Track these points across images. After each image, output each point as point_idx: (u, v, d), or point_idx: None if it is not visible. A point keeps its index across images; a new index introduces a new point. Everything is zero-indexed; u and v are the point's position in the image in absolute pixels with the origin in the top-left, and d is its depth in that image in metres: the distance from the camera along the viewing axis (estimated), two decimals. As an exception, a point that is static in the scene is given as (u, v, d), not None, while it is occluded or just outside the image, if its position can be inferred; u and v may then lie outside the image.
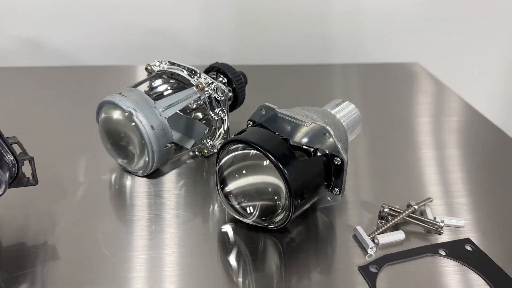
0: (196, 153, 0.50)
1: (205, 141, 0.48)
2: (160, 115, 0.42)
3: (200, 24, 0.81)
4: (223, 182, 0.38)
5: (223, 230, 0.39)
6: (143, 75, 0.64)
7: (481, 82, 0.94)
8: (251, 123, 0.42)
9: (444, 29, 0.88)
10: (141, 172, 0.45)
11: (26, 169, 0.37)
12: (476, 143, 0.57)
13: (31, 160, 0.37)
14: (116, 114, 0.42)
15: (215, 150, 0.48)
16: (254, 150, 0.36)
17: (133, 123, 0.41)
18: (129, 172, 0.46)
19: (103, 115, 0.44)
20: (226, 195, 0.38)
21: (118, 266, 0.35)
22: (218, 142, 0.48)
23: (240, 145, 0.37)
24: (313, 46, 0.85)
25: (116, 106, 0.42)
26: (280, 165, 0.34)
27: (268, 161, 0.35)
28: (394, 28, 0.86)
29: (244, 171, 0.37)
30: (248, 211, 0.37)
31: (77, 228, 0.39)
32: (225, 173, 0.37)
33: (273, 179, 0.36)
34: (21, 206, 0.41)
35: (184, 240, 0.38)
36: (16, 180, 0.37)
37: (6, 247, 0.37)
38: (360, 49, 0.87)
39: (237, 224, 0.40)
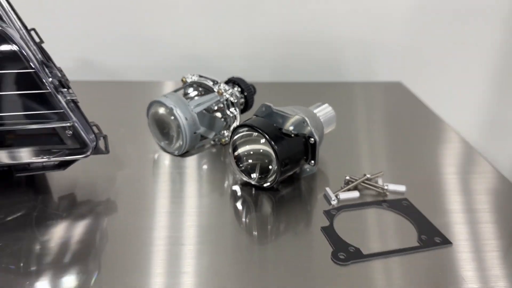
0: (216, 141, 0.67)
1: (222, 132, 0.66)
2: (191, 111, 0.60)
3: (219, 49, 1.00)
4: (235, 150, 0.55)
5: (233, 188, 0.56)
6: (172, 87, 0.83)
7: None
8: (255, 116, 0.59)
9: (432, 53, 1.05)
10: (176, 152, 0.63)
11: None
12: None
13: (105, 136, 0.55)
14: (162, 110, 0.61)
15: (226, 140, 0.66)
16: (255, 132, 0.53)
17: (173, 116, 0.59)
18: (168, 152, 0.64)
19: (152, 110, 0.62)
20: (236, 158, 0.55)
21: (157, 210, 0.53)
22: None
23: (246, 128, 0.54)
24: (311, 66, 1.03)
25: (162, 104, 0.60)
26: (271, 141, 0.52)
27: (264, 138, 0.53)
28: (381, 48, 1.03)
29: (248, 144, 0.55)
30: (253, 171, 0.54)
31: (132, 187, 0.57)
32: (237, 143, 0.55)
33: (268, 150, 0.53)
34: (93, 170, 0.59)
35: (204, 195, 0.56)
36: (95, 149, 0.55)
37: (81, 201, 0.55)
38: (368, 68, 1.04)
39: (243, 186, 0.57)
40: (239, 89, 0.69)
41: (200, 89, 0.68)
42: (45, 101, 0.47)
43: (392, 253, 0.46)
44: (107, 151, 0.55)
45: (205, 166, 0.62)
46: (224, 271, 0.44)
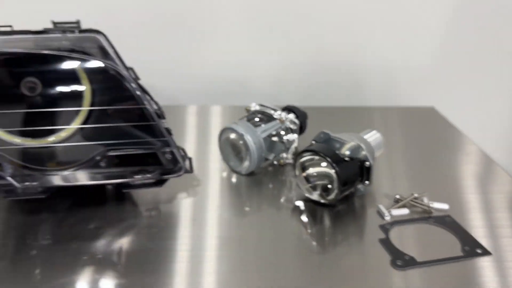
0: (275, 162, 0.77)
1: (281, 155, 0.75)
2: (259, 136, 0.70)
3: (250, 75, 1.11)
4: (303, 170, 0.65)
5: (296, 204, 0.66)
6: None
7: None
8: (314, 142, 0.69)
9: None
10: (243, 171, 0.72)
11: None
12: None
13: (190, 159, 0.65)
14: (233, 135, 0.71)
15: (287, 161, 0.75)
16: (318, 156, 0.63)
17: (243, 141, 0.69)
18: (235, 172, 0.74)
19: (224, 136, 0.72)
20: (305, 177, 0.65)
21: (228, 221, 0.62)
22: (290, 156, 0.75)
23: (310, 153, 0.64)
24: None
25: (233, 130, 0.70)
26: (333, 164, 0.61)
27: (326, 162, 0.62)
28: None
29: (312, 166, 0.64)
30: (314, 189, 0.64)
31: (206, 201, 0.66)
32: (305, 165, 0.64)
33: (330, 172, 0.62)
34: (172, 186, 0.69)
35: (266, 209, 0.65)
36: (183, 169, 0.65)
37: (164, 213, 0.64)
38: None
39: (305, 202, 0.66)
40: (295, 116, 0.78)
41: (262, 116, 0.77)
42: (152, 130, 0.58)
43: (441, 261, 0.54)
44: (191, 171, 0.65)
45: (270, 185, 0.72)
46: (293, 275, 0.53)
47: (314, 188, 0.65)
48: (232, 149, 0.73)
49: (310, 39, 1.08)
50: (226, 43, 1.07)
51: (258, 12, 1.05)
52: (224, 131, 0.72)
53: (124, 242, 0.56)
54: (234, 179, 0.73)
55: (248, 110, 0.77)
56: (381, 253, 0.56)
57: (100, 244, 0.55)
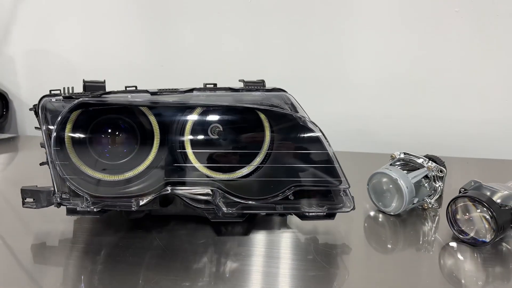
0: (419, 206, 0.84)
1: (425, 199, 0.83)
2: (410, 181, 0.79)
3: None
4: (460, 214, 0.72)
5: (450, 244, 0.72)
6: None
7: None
8: (463, 189, 0.76)
9: None
10: (392, 212, 0.81)
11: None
12: None
13: (353, 197, 0.75)
14: (385, 179, 0.80)
15: (431, 206, 0.82)
16: (475, 202, 0.70)
17: (397, 185, 0.78)
18: (383, 212, 0.82)
19: (375, 179, 0.82)
20: (457, 220, 0.72)
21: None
22: (433, 201, 0.82)
23: (467, 198, 0.71)
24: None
25: (387, 175, 0.80)
26: (491, 209, 0.68)
27: (484, 207, 0.69)
28: None
29: (468, 212, 0.71)
30: (462, 233, 0.71)
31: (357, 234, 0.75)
32: (459, 209, 0.72)
33: (486, 216, 0.68)
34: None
35: (410, 248, 0.72)
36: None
37: (322, 243, 0.74)
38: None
39: (458, 242, 0.72)
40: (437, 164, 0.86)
41: (405, 163, 0.86)
42: (332, 171, 0.69)
43: None
44: (354, 207, 0.74)
45: (410, 226, 0.79)
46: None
47: (461, 232, 0.72)
48: (382, 192, 0.82)
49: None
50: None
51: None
52: (376, 174, 0.82)
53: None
54: (380, 218, 0.81)
55: (393, 157, 0.87)
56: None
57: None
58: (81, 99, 0.70)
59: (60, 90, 0.76)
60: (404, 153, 0.86)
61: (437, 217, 0.82)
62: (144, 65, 1.39)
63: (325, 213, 0.72)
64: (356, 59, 1.25)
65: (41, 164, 0.79)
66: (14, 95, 1.51)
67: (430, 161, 0.83)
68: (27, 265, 0.67)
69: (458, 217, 0.72)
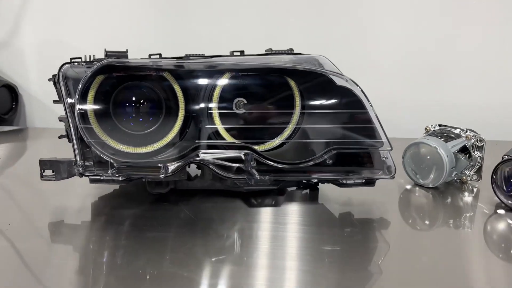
0: (457, 180, 0.80)
1: (464, 172, 0.78)
2: (450, 150, 0.74)
3: None
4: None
5: (498, 212, 0.67)
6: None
7: None
8: (506, 156, 0.71)
9: None
10: (431, 184, 0.76)
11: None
12: None
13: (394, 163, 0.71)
14: (424, 148, 0.76)
15: (470, 179, 0.78)
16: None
17: (436, 153, 0.74)
18: (419, 184, 0.78)
19: (412, 150, 0.77)
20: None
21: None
22: (472, 173, 0.78)
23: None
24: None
25: (425, 144, 0.75)
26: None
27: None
28: None
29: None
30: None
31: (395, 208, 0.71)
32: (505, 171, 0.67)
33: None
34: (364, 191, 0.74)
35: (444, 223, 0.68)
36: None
37: (358, 218, 0.69)
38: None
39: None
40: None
41: (442, 135, 0.82)
42: (372, 133, 0.65)
43: None
44: (392, 177, 0.70)
45: (450, 197, 0.75)
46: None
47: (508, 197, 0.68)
48: (420, 163, 0.77)
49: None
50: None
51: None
52: (412, 145, 0.78)
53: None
54: (416, 192, 0.77)
55: (427, 130, 0.83)
56: None
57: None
58: (104, 61, 0.66)
59: (81, 58, 0.72)
60: (439, 125, 0.82)
61: (476, 190, 0.78)
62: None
63: (363, 180, 0.68)
64: (377, 43, 1.22)
65: (60, 137, 0.75)
66: (22, 88, 1.48)
67: (469, 131, 0.79)
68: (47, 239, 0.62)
69: (506, 183, 0.68)
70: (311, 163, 0.66)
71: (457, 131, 0.79)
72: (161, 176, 0.65)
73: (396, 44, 1.21)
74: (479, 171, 0.78)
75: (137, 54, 1.40)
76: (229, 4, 1.29)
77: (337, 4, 1.22)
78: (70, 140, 0.73)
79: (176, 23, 1.34)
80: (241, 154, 0.65)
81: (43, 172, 0.69)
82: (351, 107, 0.66)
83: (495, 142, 1.09)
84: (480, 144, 0.77)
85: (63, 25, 1.41)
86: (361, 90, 0.65)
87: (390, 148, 0.65)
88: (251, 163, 0.65)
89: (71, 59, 0.72)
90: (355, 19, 1.22)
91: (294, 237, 0.60)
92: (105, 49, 0.73)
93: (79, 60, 0.71)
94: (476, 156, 0.77)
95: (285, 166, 0.66)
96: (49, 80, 0.73)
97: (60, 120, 0.74)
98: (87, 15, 1.38)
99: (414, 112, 1.22)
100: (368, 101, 0.65)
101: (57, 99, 0.71)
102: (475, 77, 1.19)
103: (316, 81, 0.67)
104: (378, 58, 1.23)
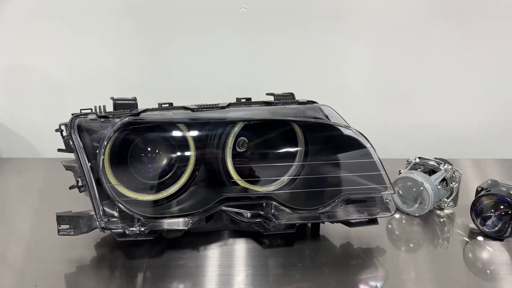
0: (435, 206, 0.91)
1: (443, 199, 0.89)
2: (433, 184, 0.85)
3: None
4: (484, 212, 0.78)
5: (478, 239, 0.78)
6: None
7: None
8: (480, 188, 0.83)
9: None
10: (417, 213, 0.86)
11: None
12: None
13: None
14: (410, 183, 0.85)
15: (447, 205, 0.89)
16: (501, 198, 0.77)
17: (423, 187, 0.84)
18: (405, 212, 0.87)
19: (400, 185, 0.87)
20: (482, 218, 0.78)
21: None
22: (449, 200, 0.89)
23: (497, 197, 0.77)
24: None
25: (411, 179, 0.85)
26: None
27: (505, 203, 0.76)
28: None
29: (493, 208, 0.78)
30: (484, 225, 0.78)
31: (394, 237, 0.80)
32: (483, 203, 0.78)
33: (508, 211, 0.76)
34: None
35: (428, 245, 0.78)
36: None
37: (357, 249, 0.78)
38: None
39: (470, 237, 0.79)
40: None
41: (422, 167, 0.92)
42: (379, 178, 0.73)
43: None
44: (392, 214, 0.78)
45: (426, 222, 0.85)
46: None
47: (483, 225, 0.79)
48: (409, 195, 0.87)
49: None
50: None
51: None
52: (400, 179, 0.87)
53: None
54: (403, 221, 0.86)
55: (409, 162, 0.93)
56: None
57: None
58: (126, 118, 0.68)
59: (91, 109, 0.73)
60: (419, 158, 0.93)
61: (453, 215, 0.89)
62: (135, 79, 1.35)
63: (367, 219, 0.75)
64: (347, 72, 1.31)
65: (71, 187, 0.75)
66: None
67: (446, 164, 0.90)
68: None
69: (483, 214, 0.79)
70: (328, 208, 0.72)
71: (432, 162, 0.90)
72: (187, 227, 0.68)
73: (367, 70, 1.31)
74: (455, 198, 0.90)
75: (114, 80, 1.36)
76: (207, 35, 1.31)
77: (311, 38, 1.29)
78: (80, 191, 0.74)
79: (153, 46, 1.33)
80: (262, 202, 0.70)
81: (59, 226, 0.69)
82: (358, 154, 0.73)
83: (456, 159, 1.23)
84: (456, 175, 0.88)
85: (29, 50, 1.35)
86: (366, 139, 0.72)
87: (393, 192, 0.73)
88: (272, 211, 0.70)
89: (81, 110, 0.73)
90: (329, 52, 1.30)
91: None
92: (113, 98, 0.74)
93: (89, 111, 0.72)
94: (453, 186, 0.88)
95: (303, 212, 0.72)
96: (56, 130, 0.73)
97: (67, 169, 0.75)
98: (62, 39, 1.33)
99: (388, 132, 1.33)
100: (373, 149, 0.73)
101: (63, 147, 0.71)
102: (438, 99, 1.32)
103: (325, 133, 0.74)
104: (350, 83, 1.32)
